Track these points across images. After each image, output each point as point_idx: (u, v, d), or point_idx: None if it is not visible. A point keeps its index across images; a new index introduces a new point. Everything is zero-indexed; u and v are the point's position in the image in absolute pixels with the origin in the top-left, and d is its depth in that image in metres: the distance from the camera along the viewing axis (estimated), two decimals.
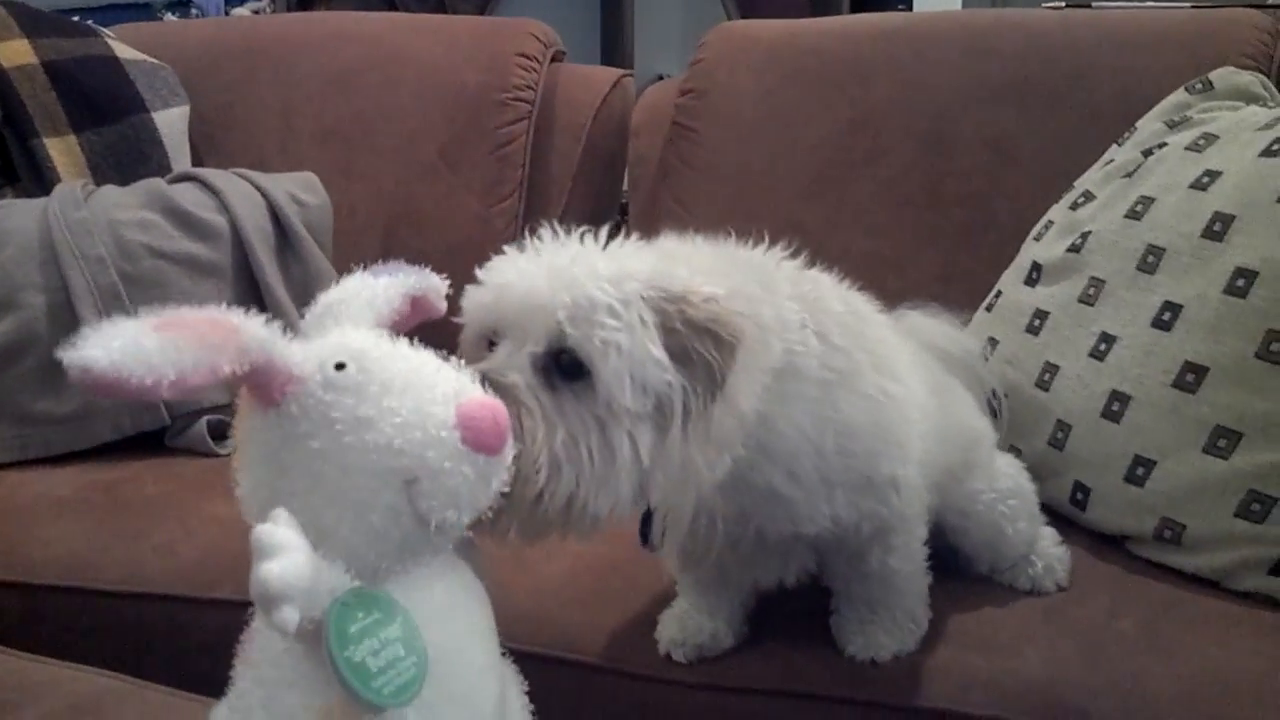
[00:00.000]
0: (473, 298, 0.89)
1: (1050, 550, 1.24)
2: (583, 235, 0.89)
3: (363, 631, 0.70)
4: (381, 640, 0.71)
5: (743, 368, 0.88)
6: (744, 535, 1.03)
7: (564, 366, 0.83)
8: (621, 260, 0.87)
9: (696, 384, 0.85)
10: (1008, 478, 1.24)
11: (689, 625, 1.15)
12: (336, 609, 0.70)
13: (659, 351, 0.84)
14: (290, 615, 0.66)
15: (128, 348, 0.64)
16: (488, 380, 0.80)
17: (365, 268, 0.86)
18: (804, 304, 0.98)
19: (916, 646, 1.12)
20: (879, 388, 1.01)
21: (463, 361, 0.80)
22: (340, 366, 0.73)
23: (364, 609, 0.71)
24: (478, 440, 0.72)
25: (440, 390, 0.74)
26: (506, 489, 0.76)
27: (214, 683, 0.98)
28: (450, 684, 0.76)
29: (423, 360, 0.76)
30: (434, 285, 0.88)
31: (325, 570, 0.70)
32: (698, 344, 0.85)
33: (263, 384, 0.72)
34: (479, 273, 0.89)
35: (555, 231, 0.89)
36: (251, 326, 0.70)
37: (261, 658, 0.75)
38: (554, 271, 0.85)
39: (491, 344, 0.88)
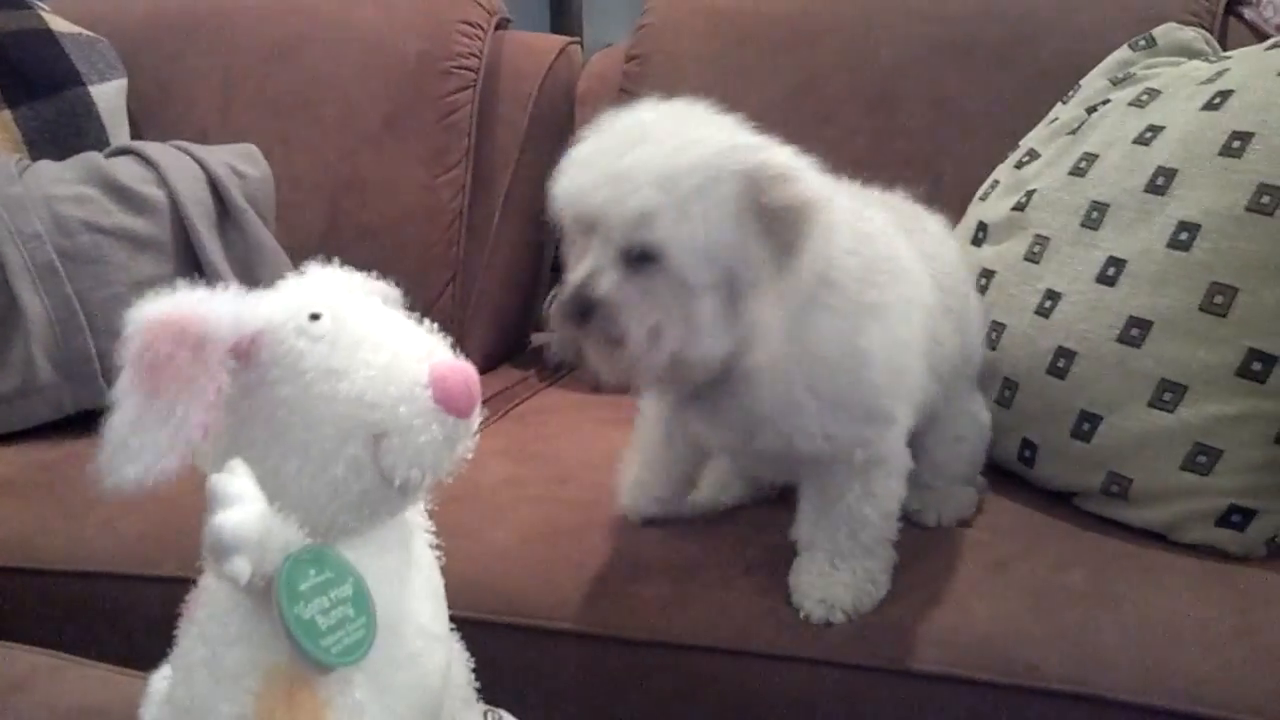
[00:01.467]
0: (566, 185, 1.00)
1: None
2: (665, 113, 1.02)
3: (314, 589, 0.70)
4: (332, 599, 0.71)
5: (813, 241, 0.99)
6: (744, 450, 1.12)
7: (640, 255, 0.96)
8: (695, 150, 0.96)
9: (771, 254, 0.97)
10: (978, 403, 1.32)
11: (638, 492, 1.27)
12: (289, 565, 0.69)
13: (730, 231, 0.96)
14: (242, 566, 0.66)
15: (152, 458, 0.67)
16: (580, 295, 0.96)
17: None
18: (855, 233, 1.07)
19: (870, 609, 1.12)
20: (902, 337, 1.10)
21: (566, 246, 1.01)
22: (315, 317, 0.72)
23: (316, 567, 0.70)
24: (449, 400, 0.72)
25: (415, 348, 0.73)
26: (469, 455, 0.76)
27: (158, 658, 0.97)
28: (398, 647, 0.75)
29: (396, 318, 0.76)
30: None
31: (279, 525, 0.69)
32: (774, 221, 0.96)
33: (237, 349, 0.71)
34: (574, 153, 1.01)
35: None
36: (217, 314, 0.69)
37: (206, 615, 0.75)
38: (616, 177, 0.95)
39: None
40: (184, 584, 1.24)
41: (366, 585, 0.73)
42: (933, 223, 1.29)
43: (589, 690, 1.15)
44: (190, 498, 1.34)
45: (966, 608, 1.09)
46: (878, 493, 1.12)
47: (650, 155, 0.95)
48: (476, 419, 0.75)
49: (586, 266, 0.98)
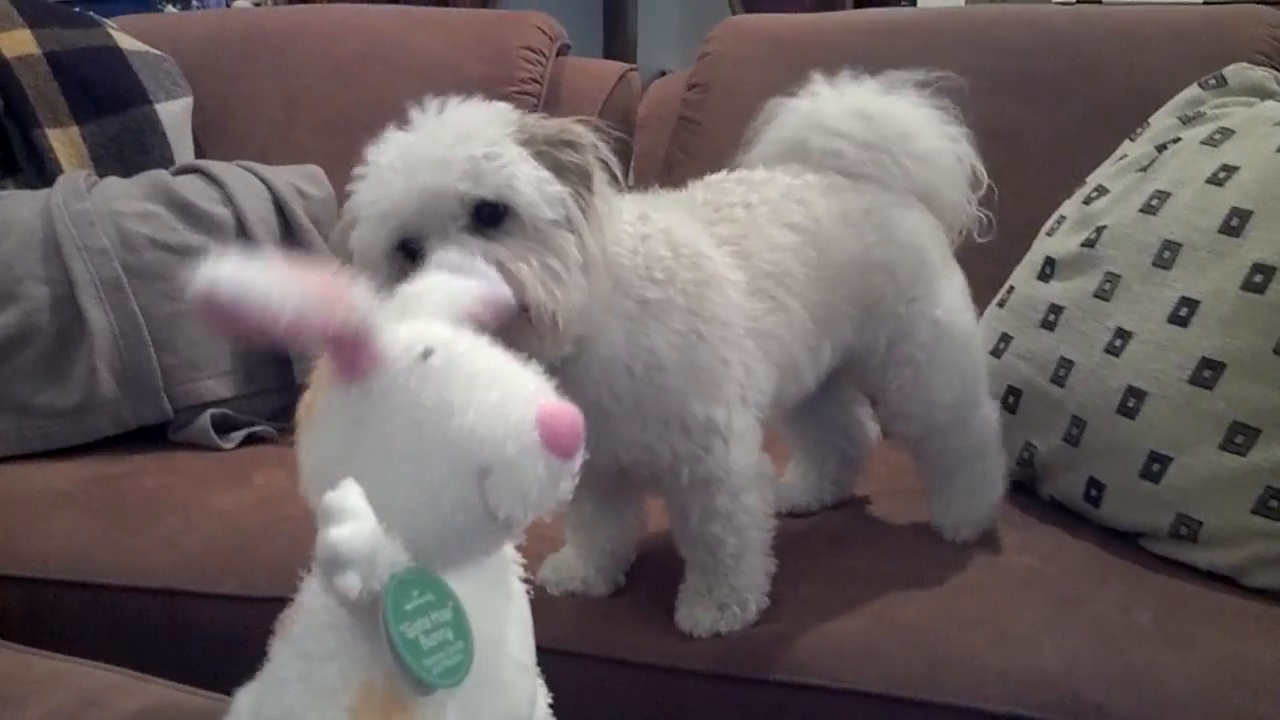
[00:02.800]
0: (369, 212, 0.97)
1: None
2: (424, 111, 1.00)
3: (417, 610, 0.70)
4: (433, 621, 0.71)
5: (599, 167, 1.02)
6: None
7: (487, 219, 0.95)
8: (470, 118, 0.98)
9: (577, 186, 0.99)
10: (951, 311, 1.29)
11: (563, 568, 1.24)
12: (395, 584, 0.69)
13: (542, 170, 0.96)
14: (353, 581, 0.67)
15: (254, 278, 0.65)
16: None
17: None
18: (634, 235, 1.08)
19: (739, 628, 1.14)
20: (691, 327, 1.08)
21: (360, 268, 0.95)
22: (428, 353, 0.73)
23: (419, 588, 0.71)
24: (555, 441, 0.72)
25: (525, 389, 0.74)
26: (569, 495, 0.76)
27: (217, 677, 0.98)
28: (491, 675, 0.76)
29: (506, 358, 0.77)
30: (504, 295, 0.88)
31: (387, 544, 0.69)
32: (560, 154, 0.99)
33: (352, 354, 0.72)
34: (356, 186, 1.00)
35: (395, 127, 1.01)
36: (359, 291, 0.71)
37: (303, 630, 0.75)
38: (428, 161, 0.94)
39: (408, 250, 0.96)
40: (244, 602, 1.26)
41: (465, 610, 0.74)
42: (760, 195, 1.22)
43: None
44: (252, 516, 1.37)
45: (1035, 645, 1.08)
46: (724, 511, 1.12)
47: (440, 134, 0.97)
48: (579, 460, 0.76)
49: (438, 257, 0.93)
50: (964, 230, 1.36)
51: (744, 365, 1.12)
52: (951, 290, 1.30)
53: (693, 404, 1.08)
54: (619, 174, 1.04)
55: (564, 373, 0.97)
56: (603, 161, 1.03)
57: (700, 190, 1.24)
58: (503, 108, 1.01)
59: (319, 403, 0.76)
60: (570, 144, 1.00)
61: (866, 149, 1.27)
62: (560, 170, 0.98)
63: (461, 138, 0.95)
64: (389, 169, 0.97)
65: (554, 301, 0.95)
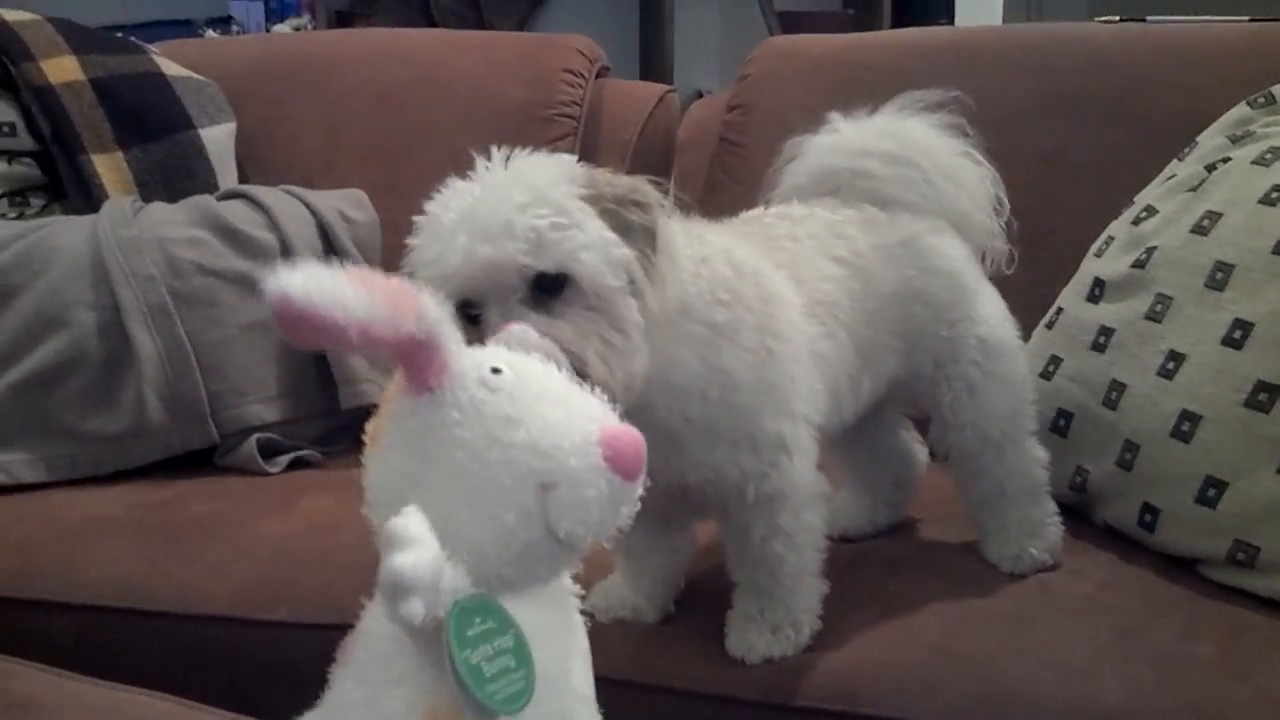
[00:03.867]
0: (428, 272, 0.94)
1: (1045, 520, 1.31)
2: (490, 163, 0.99)
3: (479, 637, 0.72)
4: (495, 648, 0.72)
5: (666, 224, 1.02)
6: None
7: (548, 287, 0.94)
8: (537, 175, 0.96)
9: (642, 247, 0.98)
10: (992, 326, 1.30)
11: (613, 595, 1.24)
12: (457, 610, 0.70)
13: (608, 232, 0.95)
14: (417, 608, 0.68)
15: (327, 286, 0.67)
16: (561, 346, 0.89)
17: None
18: (695, 258, 1.07)
19: (792, 652, 1.13)
20: (761, 344, 1.09)
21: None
22: (496, 370, 0.75)
23: (481, 615, 0.72)
24: (619, 460, 0.74)
25: (590, 410, 0.76)
26: (631, 520, 0.77)
27: (265, 705, 0.98)
28: (552, 704, 0.76)
29: (572, 384, 0.79)
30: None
31: (450, 570, 0.70)
32: (627, 213, 0.97)
33: (422, 364, 0.74)
34: (416, 239, 0.98)
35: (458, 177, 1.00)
36: (427, 300, 0.73)
37: (366, 657, 0.76)
38: (492, 227, 0.92)
39: (467, 313, 0.95)
40: (294, 629, 1.26)
41: (526, 638, 0.74)
42: (805, 229, 1.23)
43: None
44: (300, 543, 1.37)
45: (1095, 676, 1.07)
46: (786, 528, 1.12)
47: (509, 190, 0.94)
48: (641, 485, 0.76)
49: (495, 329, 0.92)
50: (993, 260, 1.36)
51: (806, 383, 1.13)
52: (990, 307, 1.31)
53: (764, 420, 1.09)
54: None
55: (633, 409, 0.96)
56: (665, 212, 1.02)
57: (742, 224, 1.25)
58: (568, 161, 1.01)
59: (389, 412, 0.78)
60: (638, 204, 0.99)
61: (894, 164, 1.29)
62: (626, 230, 0.97)
63: (527, 200, 0.93)
64: (451, 229, 0.94)
65: (614, 376, 0.94)
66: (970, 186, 1.32)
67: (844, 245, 1.22)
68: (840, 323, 1.18)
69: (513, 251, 0.91)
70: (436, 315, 0.74)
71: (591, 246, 0.94)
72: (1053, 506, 1.33)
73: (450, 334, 0.75)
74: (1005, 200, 1.35)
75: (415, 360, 0.74)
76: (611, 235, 0.96)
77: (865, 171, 1.29)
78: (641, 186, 1.00)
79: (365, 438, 0.80)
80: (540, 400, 0.74)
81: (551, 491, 0.73)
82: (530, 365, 0.78)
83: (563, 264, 0.93)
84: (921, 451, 1.45)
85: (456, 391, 0.74)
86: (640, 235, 0.98)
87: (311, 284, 0.67)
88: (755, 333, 1.09)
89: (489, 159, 0.99)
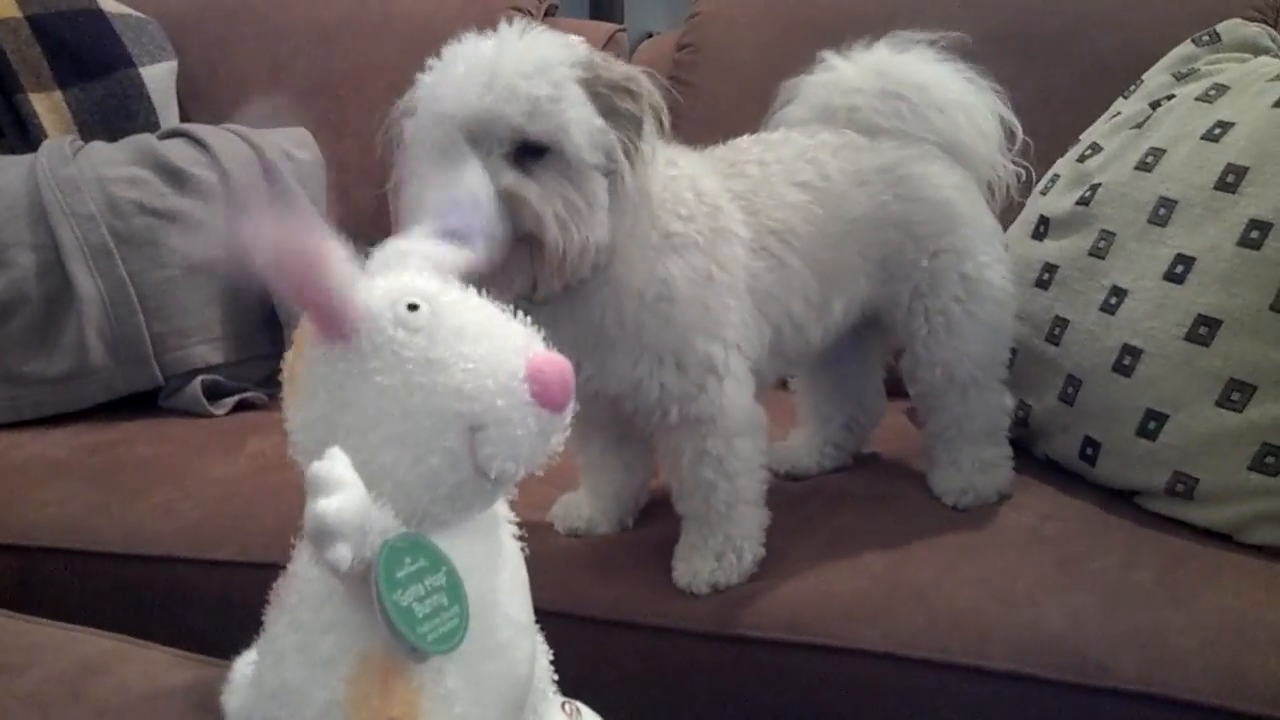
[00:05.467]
0: (447, 93, 1.02)
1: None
2: (510, 27, 1.06)
3: (410, 577, 0.69)
4: (427, 588, 0.70)
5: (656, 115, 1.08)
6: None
7: (530, 151, 1.01)
8: (547, 50, 1.03)
9: (628, 131, 1.04)
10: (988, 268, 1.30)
11: (570, 508, 1.30)
12: (386, 552, 0.68)
13: (595, 114, 1.02)
14: (344, 553, 0.65)
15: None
16: (505, 193, 0.97)
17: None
18: (664, 176, 1.13)
19: (736, 579, 1.16)
20: (705, 266, 1.13)
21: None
22: (413, 307, 0.71)
23: (411, 555, 0.70)
24: (546, 395, 0.71)
25: (512, 341, 0.73)
26: (560, 448, 0.76)
27: (214, 643, 0.98)
28: (488, 637, 0.75)
29: (492, 310, 0.75)
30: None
31: (376, 512, 0.68)
32: (618, 100, 1.04)
33: (334, 317, 0.71)
34: (427, 76, 1.06)
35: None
36: (336, 251, 0.70)
37: (298, 601, 0.74)
38: (500, 82, 0.99)
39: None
40: (241, 568, 1.26)
41: (459, 573, 0.73)
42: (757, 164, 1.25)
43: (651, 682, 1.14)
44: (248, 484, 1.36)
45: (1037, 604, 1.08)
46: (715, 453, 1.14)
47: (520, 58, 1.01)
48: (570, 413, 0.75)
49: (474, 172, 0.98)
50: (1004, 186, 1.37)
51: (740, 315, 1.15)
52: (984, 244, 1.31)
53: (695, 339, 1.12)
54: (666, 123, 1.09)
55: (574, 292, 1.07)
56: (655, 110, 1.07)
57: (720, 149, 1.27)
58: (577, 43, 1.07)
59: (303, 361, 0.74)
60: (630, 92, 1.05)
61: (883, 98, 1.29)
62: (614, 115, 1.04)
63: (531, 71, 1.00)
64: (461, 77, 1.02)
65: (569, 241, 1.01)
66: (969, 120, 1.32)
67: (812, 170, 1.24)
68: (794, 249, 1.20)
69: (511, 112, 0.99)
70: (346, 265, 0.71)
71: (579, 123, 1.01)
72: (1008, 450, 1.35)
73: (361, 281, 0.73)
74: (1017, 125, 1.35)
75: (325, 313, 0.71)
76: (599, 121, 1.03)
77: (853, 107, 1.30)
78: (636, 76, 1.07)
79: (282, 377, 0.77)
80: (460, 337, 0.72)
81: (479, 433, 0.71)
82: (446, 295, 0.74)
83: (551, 134, 1.00)
84: (882, 405, 1.47)
85: (374, 337, 0.71)
86: (627, 121, 1.04)
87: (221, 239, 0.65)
88: (701, 255, 1.13)
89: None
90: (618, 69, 1.06)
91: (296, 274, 0.68)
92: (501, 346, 0.72)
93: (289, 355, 0.76)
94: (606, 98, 1.04)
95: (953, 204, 1.29)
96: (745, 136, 1.30)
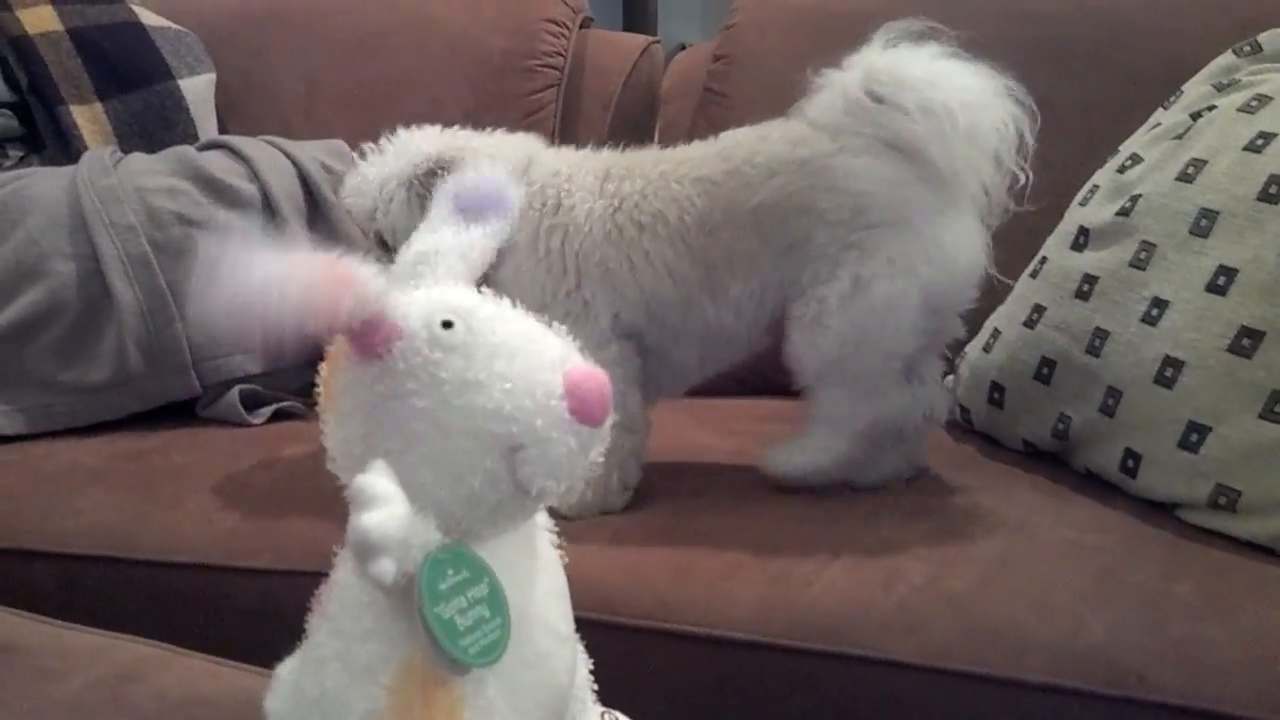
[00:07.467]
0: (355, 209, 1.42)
1: None
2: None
3: (452, 589, 0.69)
4: (469, 599, 0.69)
5: None
6: None
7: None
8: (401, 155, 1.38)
9: None
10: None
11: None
12: (429, 565, 0.68)
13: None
14: (387, 567, 0.65)
15: (252, 284, 0.64)
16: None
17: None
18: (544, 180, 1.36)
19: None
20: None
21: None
22: (447, 324, 0.70)
23: (453, 566, 0.69)
24: (584, 411, 0.70)
25: (548, 356, 0.71)
26: (600, 459, 0.75)
27: (253, 651, 0.98)
28: (529, 647, 0.74)
29: (528, 323, 0.74)
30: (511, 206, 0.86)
31: (419, 524, 0.68)
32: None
33: (367, 337, 0.69)
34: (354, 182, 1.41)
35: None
36: (366, 274, 0.68)
37: (340, 610, 0.74)
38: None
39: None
40: (279, 576, 1.26)
41: (501, 585, 0.72)
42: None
43: (689, 692, 1.14)
44: (285, 492, 1.37)
45: (1076, 617, 1.07)
46: None
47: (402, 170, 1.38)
48: (609, 425, 0.74)
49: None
50: (987, 195, 1.32)
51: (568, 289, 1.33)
52: (898, 253, 1.27)
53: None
54: None
55: None
56: None
57: (642, 154, 1.40)
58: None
59: (339, 381, 0.73)
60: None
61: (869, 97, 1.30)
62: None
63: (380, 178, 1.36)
64: (374, 184, 1.38)
65: None
66: (938, 124, 1.26)
67: (719, 165, 1.32)
68: (659, 236, 1.30)
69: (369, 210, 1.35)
70: (377, 287, 0.69)
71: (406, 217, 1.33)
72: (838, 445, 1.34)
73: (394, 300, 0.71)
74: (1027, 128, 1.31)
75: (361, 335, 0.69)
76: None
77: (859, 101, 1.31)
78: (452, 157, 1.34)
79: (318, 393, 0.76)
80: (496, 354, 0.70)
81: (519, 453, 0.70)
82: (481, 310, 0.73)
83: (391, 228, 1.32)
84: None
85: (409, 358, 0.70)
86: None
87: (238, 281, 0.64)
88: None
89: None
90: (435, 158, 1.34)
91: (328, 295, 0.67)
92: (538, 363, 0.71)
93: (324, 371, 0.75)
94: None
95: (871, 197, 1.27)
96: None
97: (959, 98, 1.26)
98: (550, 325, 0.75)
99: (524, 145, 1.43)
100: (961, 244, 1.29)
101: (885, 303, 1.27)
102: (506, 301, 0.75)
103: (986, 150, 1.28)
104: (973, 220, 1.31)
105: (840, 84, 1.33)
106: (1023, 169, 1.31)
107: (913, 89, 1.27)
